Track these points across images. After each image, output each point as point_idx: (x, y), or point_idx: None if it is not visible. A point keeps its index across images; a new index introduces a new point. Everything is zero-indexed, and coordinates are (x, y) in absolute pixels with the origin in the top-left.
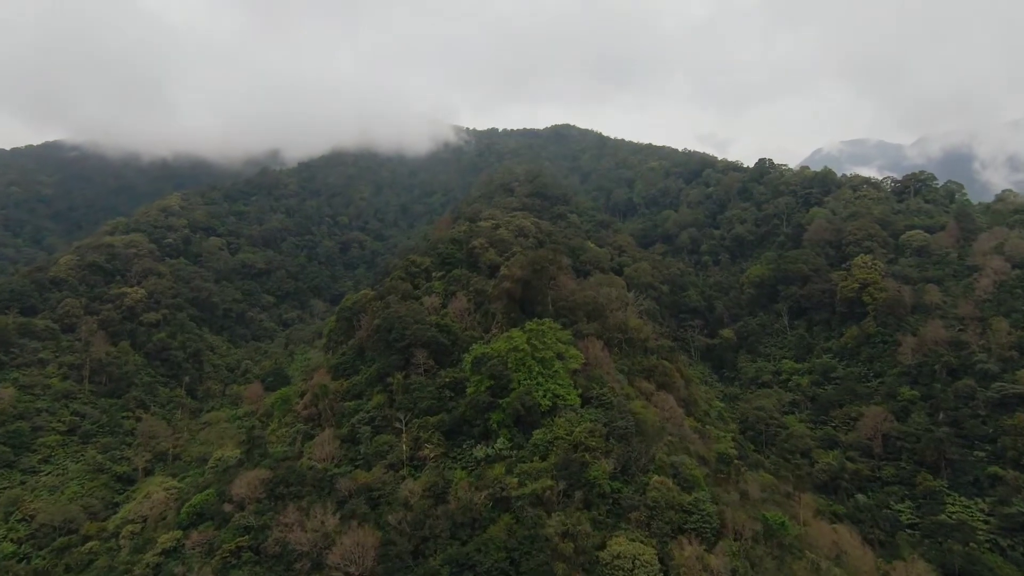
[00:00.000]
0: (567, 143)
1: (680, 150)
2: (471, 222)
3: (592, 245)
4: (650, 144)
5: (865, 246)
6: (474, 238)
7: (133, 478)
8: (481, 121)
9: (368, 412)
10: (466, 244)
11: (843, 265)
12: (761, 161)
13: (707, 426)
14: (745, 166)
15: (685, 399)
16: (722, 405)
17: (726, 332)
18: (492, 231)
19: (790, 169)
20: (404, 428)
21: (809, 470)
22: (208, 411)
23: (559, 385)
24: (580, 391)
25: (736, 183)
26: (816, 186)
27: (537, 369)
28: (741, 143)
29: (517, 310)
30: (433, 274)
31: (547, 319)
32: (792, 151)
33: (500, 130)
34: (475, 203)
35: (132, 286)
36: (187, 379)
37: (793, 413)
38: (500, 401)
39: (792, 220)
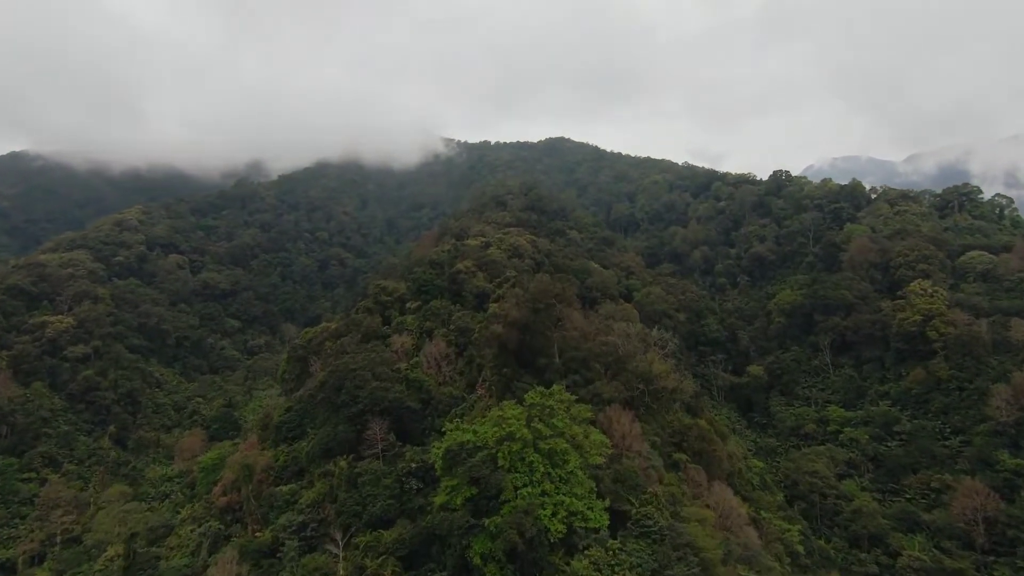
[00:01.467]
0: (562, 156)
1: (680, 164)
2: (458, 239)
3: (596, 266)
4: (648, 157)
5: (920, 270)
6: (459, 260)
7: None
8: (472, 136)
9: (302, 511)
10: (449, 267)
11: (898, 293)
12: (776, 173)
13: (762, 512)
14: (758, 178)
15: (729, 473)
16: (761, 465)
17: (755, 369)
18: (481, 251)
19: (808, 181)
20: (341, 551)
21: (890, 563)
22: (127, 471)
23: (576, 496)
24: (608, 501)
25: (750, 197)
26: (843, 200)
27: (543, 469)
28: (733, 158)
29: (512, 362)
30: (408, 304)
31: (554, 380)
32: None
33: (492, 143)
34: (464, 218)
35: (60, 313)
36: (112, 428)
37: (851, 476)
38: (485, 522)
39: (821, 238)
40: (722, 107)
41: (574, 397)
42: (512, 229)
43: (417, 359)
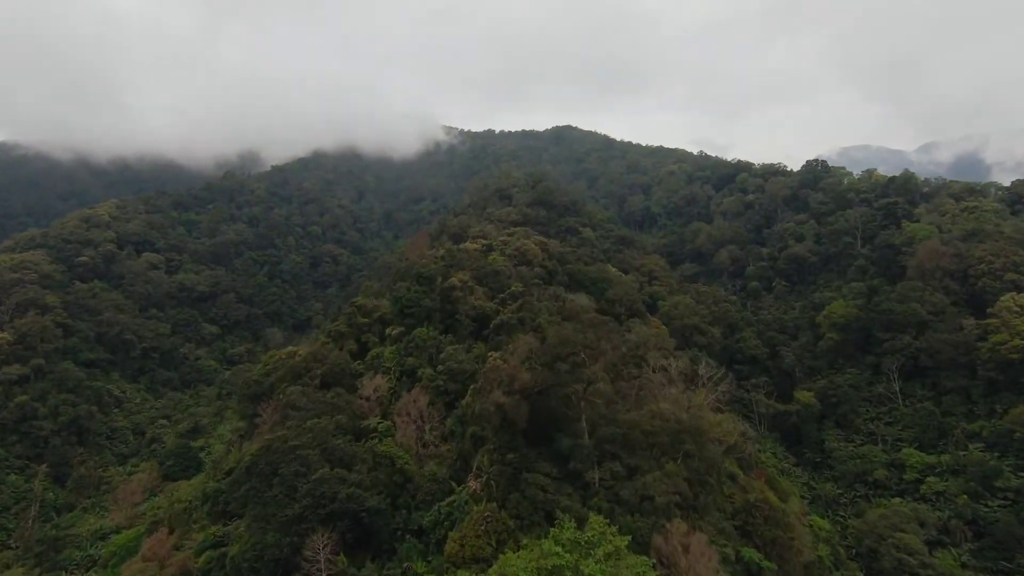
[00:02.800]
0: (570, 145)
1: (696, 153)
2: (455, 240)
3: (614, 270)
4: (661, 147)
5: (1008, 280)
6: (453, 271)
7: None
8: (473, 128)
9: None
10: (440, 282)
11: (988, 310)
12: (811, 163)
13: None
14: (788, 168)
15: (808, 564)
16: (827, 528)
17: (804, 395)
18: (481, 257)
19: (848, 172)
20: None
21: None
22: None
23: None
24: None
25: (783, 190)
26: (894, 194)
27: None
28: (739, 149)
29: (520, 443)
30: (389, 329)
31: (582, 470)
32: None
33: (497, 132)
34: (464, 214)
35: None
36: (45, 466)
37: (944, 546)
38: None
39: (873, 238)
40: (728, 98)
41: (614, 528)
42: (518, 229)
43: (387, 424)
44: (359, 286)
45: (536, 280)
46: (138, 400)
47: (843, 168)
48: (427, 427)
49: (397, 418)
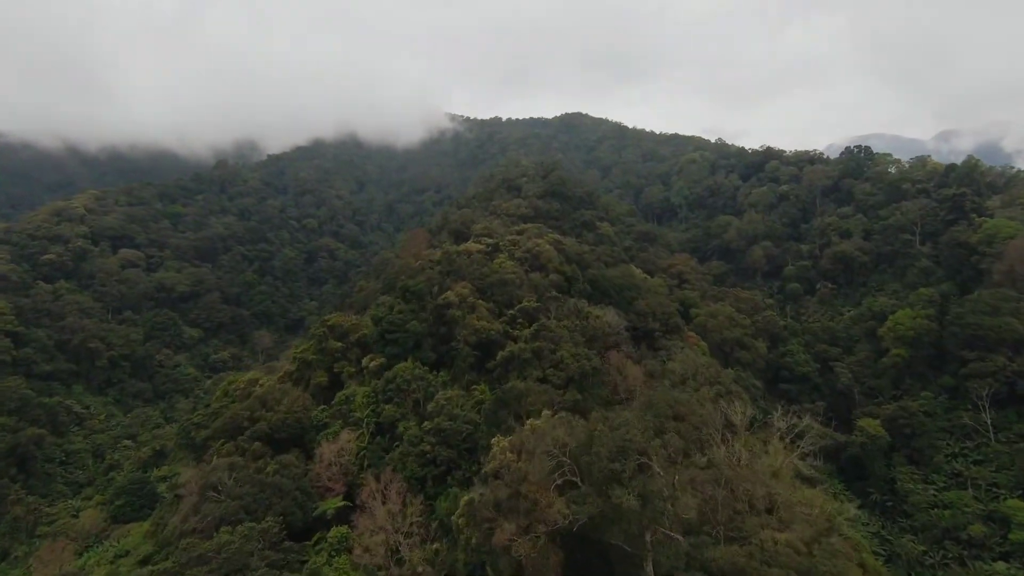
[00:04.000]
0: (580, 133)
1: (714, 141)
2: (457, 239)
3: (639, 272)
4: (677, 134)
5: None
6: (451, 281)
7: None
8: (478, 116)
9: None
10: (433, 298)
11: None
12: (851, 150)
13: None
14: (824, 155)
15: None
16: None
17: (868, 423)
18: (484, 262)
19: (896, 160)
20: None
21: None
22: None
23: None
24: None
25: (822, 180)
26: (956, 184)
27: None
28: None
29: None
30: (367, 360)
31: None
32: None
33: (504, 119)
34: (468, 207)
35: None
36: None
37: None
38: None
39: (937, 235)
40: (739, 85)
41: None
42: (529, 226)
43: (342, 531)
44: (355, 284)
45: (552, 293)
46: (103, 416)
47: (888, 154)
48: (405, 525)
49: (362, 513)
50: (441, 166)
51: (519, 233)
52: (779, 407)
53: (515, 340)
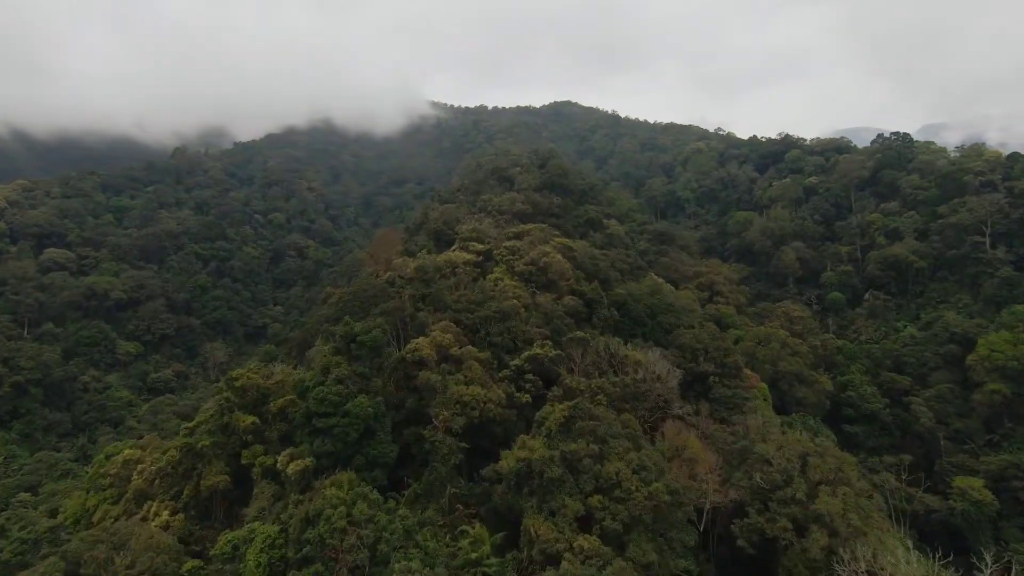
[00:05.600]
0: (571, 122)
1: (712, 131)
2: (438, 244)
3: (667, 286)
4: (673, 123)
5: None
6: (425, 317)
7: None
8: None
9: None
10: (397, 345)
11: None
12: (886, 139)
13: None
14: (851, 143)
15: None
16: None
17: (967, 482)
18: (473, 282)
19: (942, 149)
20: None
21: None
22: None
23: None
24: None
25: (857, 170)
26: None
27: None
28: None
29: None
30: (282, 460)
31: None
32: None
33: (490, 107)
34: (453, 200)
35: None
36: None
37: None
38: None
39: (1011, 236)
40: (725, 76)
41: None
42: (530, 227)
43: None
44: (324, 289)
45: (567, 318)
46: (1, 459)
47: (931, 142)
48: None
49: None
50: (423, 156)
51: (517, 236)
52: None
53: (527, 418)
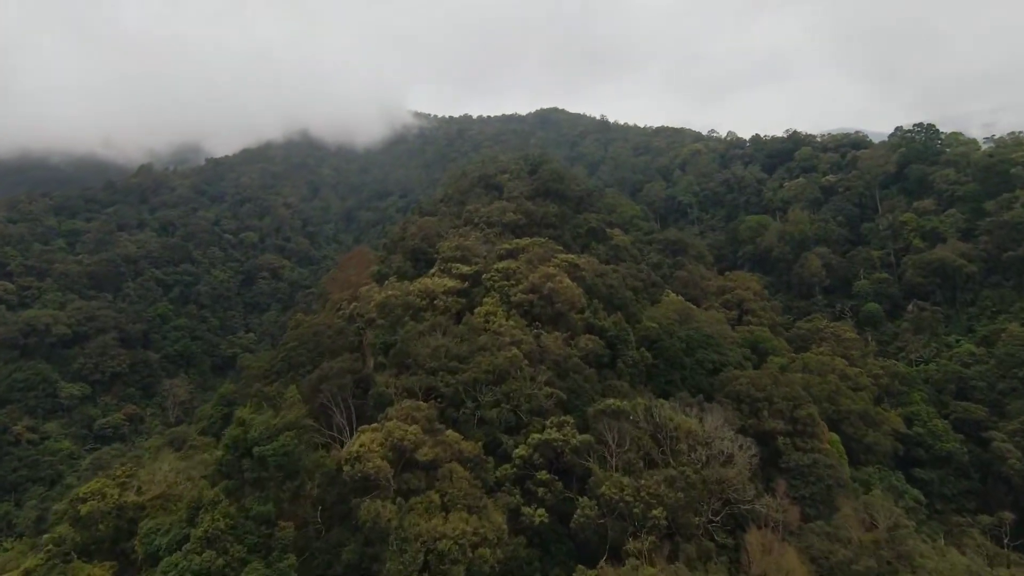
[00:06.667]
0: (558, 128)
1: (705, 133)
2: (416, 264)
3: (698, 311)
4: (665, 127)
5: None
6: (386, 380)
7: None
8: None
9: None
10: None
11: None
12: (906, 132)
13: None
14: (867, 138)
15: None
16: None
17: None
18: (454, 324)
19: (972, 141)
20: None
21: None
22: None
23: None
24: None
25: (881, 166)
26: None
27: None
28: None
29: None
30: None
31: None
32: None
33: (475, 116)
34: (435, 212)
35: None
36: None
37: None
38: None
39: None
40: (707, 81)
41: None
42: (526, 241)
43: None
44: (294, 316)
45: (589, 371)
46: None
47: (958, 132)
48: None
49: None
50: (406, 167)
51: (511, 254)
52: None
53: (543, 546)
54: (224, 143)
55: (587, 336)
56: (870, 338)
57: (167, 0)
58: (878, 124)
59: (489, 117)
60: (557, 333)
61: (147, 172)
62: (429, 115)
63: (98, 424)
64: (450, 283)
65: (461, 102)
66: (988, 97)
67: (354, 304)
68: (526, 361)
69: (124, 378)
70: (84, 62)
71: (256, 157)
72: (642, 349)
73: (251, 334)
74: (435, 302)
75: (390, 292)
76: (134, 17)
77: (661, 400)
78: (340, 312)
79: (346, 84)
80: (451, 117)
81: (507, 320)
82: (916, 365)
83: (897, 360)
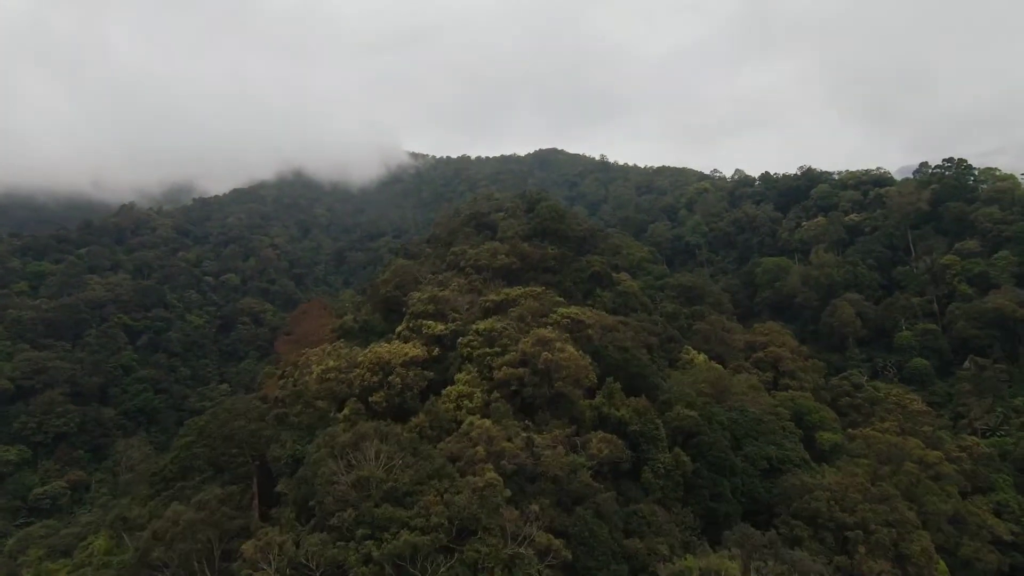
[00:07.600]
0: (557, 168)
1: (707, 172)
2: (389, 312)
3: (729, 376)
4: (666, 166)
5: None
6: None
7: None
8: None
9: None
10: None
11: None
12: (933, 170)
13: None
14: (888, 174)
15: None
16: None
17: None
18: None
19: (1007, 174)
20: None
21: None
22: None
23: None
24: None
25: (912, 204)
26: None
27: None
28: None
29: None
30: None
31: None
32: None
33: (472, 157)
34: (419, 254)
35: None
36: None
37: None
38: None
39: None
40: (699, 126)
41: None
42: (518, 291)
43: None
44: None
45: (606, 494)
46: None
47: (994, 168)
48: None
49: None
50: (401, 207)
51: (499, 307)
52: None
53: None
54: (217, 183)
55: (600, 436)
56: (937, 412)
57: (161, 41)
58: (873, 164)
59: (487, 158)
60: (557, 431)
61: (128, 211)
62: (426, 155)
63: (34, 494)
64: (414, 351)
65: (459, 145)
66: (982, 140)
67: (291, 377)
68: (508, 491)
69: (71, 439)
70: (73, 102)
71: (246, 197)
72: (676, 448)
73: (225, 385)
74: (390, 379)
75: (331, 363)
76: (127, 59)
77: (725, 558)
78: (283, 383)
79: (342, 124)
80: (448, 157)
81: (485, 405)
82: (984, 436)
83: (959, 430)
